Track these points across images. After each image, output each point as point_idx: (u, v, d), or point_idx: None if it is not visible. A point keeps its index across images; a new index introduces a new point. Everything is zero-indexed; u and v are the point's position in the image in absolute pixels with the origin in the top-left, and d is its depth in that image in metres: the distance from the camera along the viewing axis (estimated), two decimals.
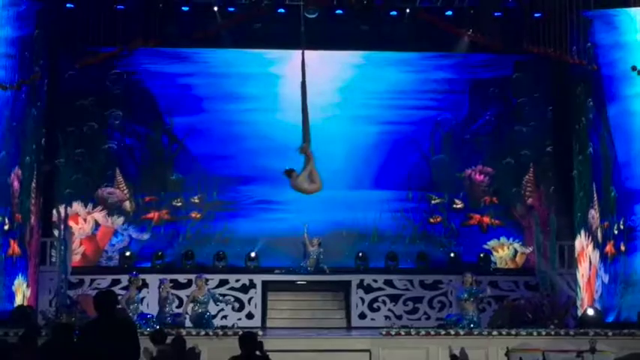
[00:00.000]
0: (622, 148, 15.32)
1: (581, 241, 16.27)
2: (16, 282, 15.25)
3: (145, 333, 13.16)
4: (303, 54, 15.13)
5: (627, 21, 15.39)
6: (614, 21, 15.55)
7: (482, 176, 18.92)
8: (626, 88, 15.30)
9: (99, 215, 18.32)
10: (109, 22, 16.58)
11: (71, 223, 17.69)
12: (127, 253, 17.95)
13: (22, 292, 15.40)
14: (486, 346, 13.44)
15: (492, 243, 18.66)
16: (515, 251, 18.60)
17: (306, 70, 15.11)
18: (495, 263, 18.52)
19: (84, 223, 18.23)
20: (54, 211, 17.27)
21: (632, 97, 15.25)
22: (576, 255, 16.48)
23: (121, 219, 18.39)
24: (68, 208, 17.18)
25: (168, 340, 10.73)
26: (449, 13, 17.59)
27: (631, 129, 15.25)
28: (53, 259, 16.73)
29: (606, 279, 15.50)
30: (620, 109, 15.39)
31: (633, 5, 14.61)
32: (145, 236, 18.39)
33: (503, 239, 18.62)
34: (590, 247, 16.02)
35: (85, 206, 18.25)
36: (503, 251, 18.61)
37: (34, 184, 16.15)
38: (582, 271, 16.20)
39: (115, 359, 7.31)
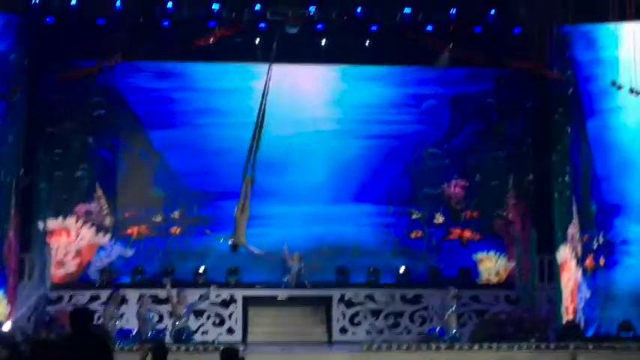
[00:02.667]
0: (601, 163, 15.46)
1: (564, 254, 16.32)
2: None
3: (125, 349, 13.14)
4: (269, 71, 15.30)
5: (606, 36, 15.55)
6: (593, 36, 15.72)
7: (458, 189, 18.96)
8: (605, 103, 15.45)
9: (87, 231, 18.17)
10: (89, 37, 16.54)
11: (61, 237, 17.62)
12: (107, 269, 17.82)
13: (1, 308, 15.25)
14: None
15: (480, 255, 18.66)
16: (499, 266, 18.56)
17: (269, 89, 15.38)
18: (480, 274, 18.49)
19: (75, 237, 18.08)
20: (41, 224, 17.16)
21: (611, 111, 15.41)
22: (559, 267, 16.50)
23: (108, 236, 18.23)
24: (61, 221, 17.14)
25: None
26: (429, 28, 17.65)
27: (610, 143, 15.40)
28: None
29: (586, 292, 15.57)
30: (599, 124, 15.54)
31: (612, 20, 14.74)
32: (130, 252, 18.25)
33: (492, 252, 18.62)
34: (571, 260, 16.09)
35: (64, 219, 18.10)
36: (490, 263, 18.59)
37: (12, 198, 16.02)
38: (565, 284, 16.25)
39: None
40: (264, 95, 15.98)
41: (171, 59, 18.07)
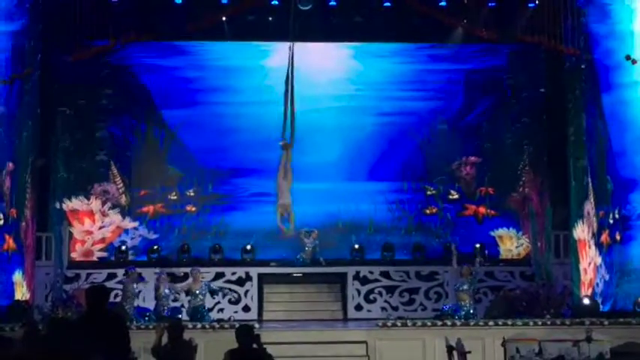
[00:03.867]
0: (616, 137, 15.32)
1: (580, 230, 16.27)
2: (15, 277, 15.22)
3: (142, 327, 13.22)
4: (292, 49, 15.32)
5: (621, 10, 15.36)
6: (609, 10, 15.52)
7: (471, 166, 18.89)
8: (621, 78, 15.28)
9: (112, 215, 18.22)
10: (102, 16, 16.52)
11: (85, 220, 17.76)
12: (123, 247, 17.92)
13: (21, 287, 15.38)
14: (483, 337, 13.47)
15: (500, 231, 18.59)
16: (521, 244, 18.47)
17: (294, 65, 15.45)
18: (500, 254, 18.43)
19: (99, 221, 18.13)
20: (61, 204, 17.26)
21: (627, 86, 15.24)
22: (575, 244, 16.43)
23: (134, 222, 18.28)
24: (85, 204, 17.31)
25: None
26: (442, 3, 17.51)
27: (625, 118, 15.24)
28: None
29: (602, 268, 15.51)
30: (614, 99, 15.38)
31: None
32: (153, 235, 18.30)
33: (512, 230, 18.52)
34: (587, 236, 16.03)
35: (88, 200, 18.17)
36: (511, 243, 18.49)
37: (28, 179, 16.10)
38: (582, 261, 16.20)
39: (104, 352, 7.30)
40: (289, 65, 16.19)
41: (184, 38, 18.04)
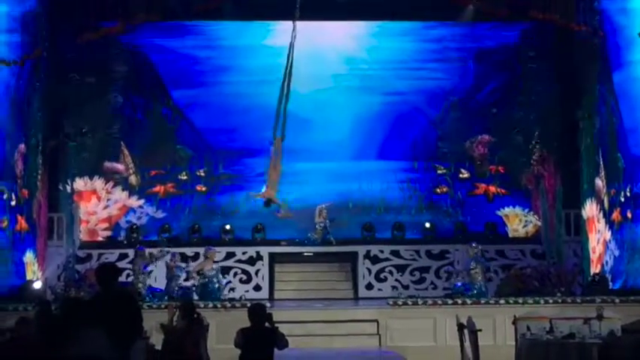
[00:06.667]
0: (628, 115, 15.23)
1: (590, 209, 16.24)
2: (26, 257, 15.31)
3: (154, 306, 13.28)
4: (294, 29, 15.25)
5: None
6: None
7: (483, 144, 18.85)
8: (632, 55, 15.18)
9: (118, 193, 18.30)
10: None
11: (90, 200, 17.86)
12: (134, 227, 18.00)
13: (32, 267, 15.48)
14: (493, 315, 13.48)
15: (507, 211, 18.58)
16: (528, 223, 18.47)
17: (293, 54, 15.35)
18: (507, 233, 18.43)
19: (104, 200, 18.20)
20: (65, 186, 17.30)
21: (638, 63, 15.13)
22: (585, 223, 16.41)
23: (140, 200, 18.35)
24: (89, 183, 17.49)
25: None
26: None
27: (637, 95, 15.13)
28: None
29: (613, 246, 15.49)
30: (625, 76, 15.28)
31: None
32: (161, 214, 18.37)
33: (518, 209, 18.51)
34: (597, 214, 16.00)
35: (91, 180, 18.25)
36: (517, 222, 18.47)
37: (40, 160, 16.17)
38: (592, 238, 16.18)
39: (116, 331, 7.31)
40: (289, 54, 16.03)
41: (193, 17, 17.96)
